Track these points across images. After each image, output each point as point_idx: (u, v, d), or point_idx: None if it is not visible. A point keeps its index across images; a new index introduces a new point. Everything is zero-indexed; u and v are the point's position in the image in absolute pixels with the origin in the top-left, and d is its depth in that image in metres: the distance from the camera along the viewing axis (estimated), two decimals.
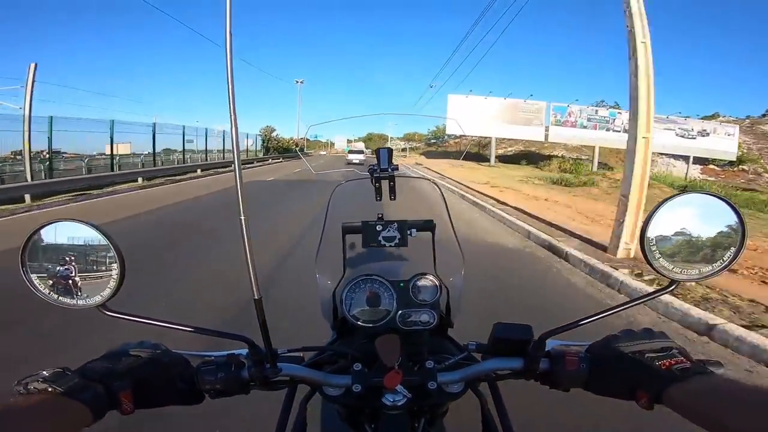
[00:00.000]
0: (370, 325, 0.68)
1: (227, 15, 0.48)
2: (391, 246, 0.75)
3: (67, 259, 0.48)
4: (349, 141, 61.80)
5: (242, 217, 0.49)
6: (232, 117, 0.49)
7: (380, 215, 0.77)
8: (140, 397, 0.48)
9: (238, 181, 0.50)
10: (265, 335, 0.53)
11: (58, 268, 0.48)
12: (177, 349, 0.56)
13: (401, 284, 0.70)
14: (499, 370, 0.60)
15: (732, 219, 0.47)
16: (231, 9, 0.48)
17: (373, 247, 0.75)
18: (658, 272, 0.50)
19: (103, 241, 0.47)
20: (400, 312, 0.68)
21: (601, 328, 0.58)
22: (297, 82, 58.42)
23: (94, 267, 0.48)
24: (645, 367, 0.48)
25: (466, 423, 0.78)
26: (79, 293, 0.49)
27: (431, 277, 0.71)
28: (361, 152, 27.29)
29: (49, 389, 0.40)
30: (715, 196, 0.48)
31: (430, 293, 0.70)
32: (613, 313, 0.54)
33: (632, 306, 0.53)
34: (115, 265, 0.48)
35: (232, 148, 0.51)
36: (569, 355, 0.54)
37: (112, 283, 0.48)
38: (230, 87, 0.48)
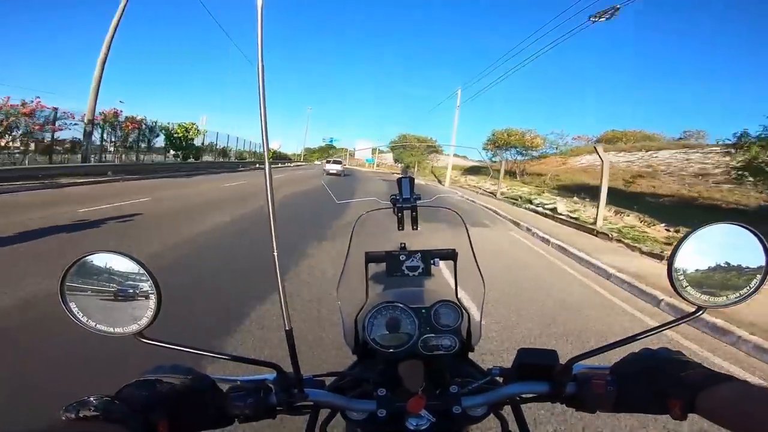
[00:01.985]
0: (392, 350, 0.69)
1: (258, 29, 0.49)
2: (414, 275, 0.76)
3: (105, 289, 0.51)
4: (374, 150, 56.02)
5: (275, 253, 0.52)
6: (266, 154, 0.51)
7: (403, 245, 0.79)
8: (175, 425, 0.50)
9: (271, 217, 0.52)
10: (294, 362, 0.56)
11: (96, 298, 0.51)
12: (205, 371, 0.58)
13: (423, 310, 0.72)
14: (525, 394, 0.61)
15: (758, 247, 0.50)
16: (262, 22, 0.49)
17: (396, 276, 0.76)
18: (684, 299, 0.51)
19: (140, 271, 0.51)
20: (422, 337, 0.70)
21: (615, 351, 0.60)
22: (308, 109, 61.05)
23: (132, 297, 0.51)
24: (674, 378, 0.49)
25: None
26: (117, 322, 0.51)
27: (453, 304, 0.72)
28: (339, 163, 29.54)
29: (99, 416, 0.42)
30: (740, 225, 0.50)
31: (451, 319, 0.71)
32: (638, 339, 0.55)
33: (658, 332, 0.55)
34: (152, 295, 0.51)
35: (266, 189, 0.52)
36: (596, 378, 0.56)
37: (149, 312, 0.51)
38: (263, 125, 0.50)
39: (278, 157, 47.55)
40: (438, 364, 0.68)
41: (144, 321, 0.51)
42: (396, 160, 49.29)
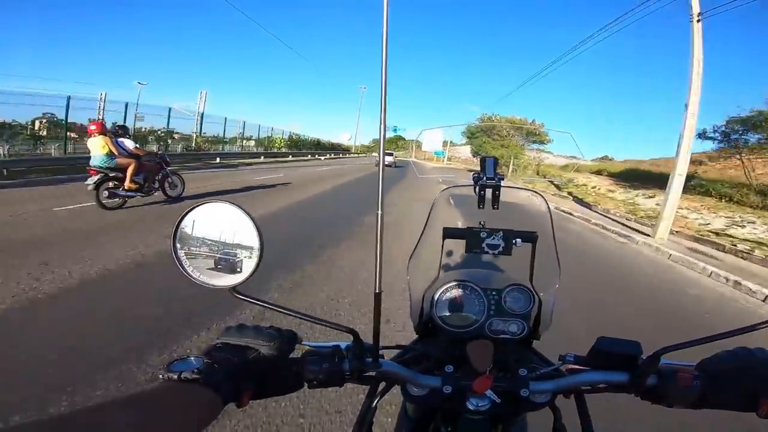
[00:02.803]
0: (459, 330, 0.70)
1: (384, 24, 0.48)
2: (494, 254, 0.74)
3: (212, 239, 0.52)
4: (445, 143, 50.87)
5: (379, 212, 0.52)
6: (382, 127, 0.53)
7: (482, 222, 0.77)
8: (258, 392, 0.52)
9: (380, 180, 0.53)
10: (376, 329, 0.56)
11: (203, 248, 0.52)
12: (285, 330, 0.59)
13: (494, 292, 0.72)
14: (602, 383, 0.59)
15: None
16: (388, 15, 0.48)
17: (475, 253, 0.75)
18: None
19: (250, 226, 0.51)
20: (490, 320, 0.70)
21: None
22: (362, 88, 56.38)
23: (236, 249, 0.52)
24: (766, 378, 0.48)
25: None
26: (217, 274, 0.53)
27: (526, 289, 0.73)
28: (390, 155, 31.87)
29: (198, 380, 0.44)
30: None
31: (522, 304, 0.71)
32: (731, 336, 0.51)
33: (751, 331, 0.50)
34: (255, 251, 0.52)
35: (380, 154, 0.55)
36: (682, 372, 0.54)
37: (248, 269, 0.52)
38: (383, 129, 0.52)
39: (326, 149, 45.58)
40: (503, 348, 0.68)
41: (240, 277, 0.52)
42: (475, 153, 39.63)
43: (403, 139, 76.77)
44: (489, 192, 0.78)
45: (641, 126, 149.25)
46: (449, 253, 0.82)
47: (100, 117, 14.40)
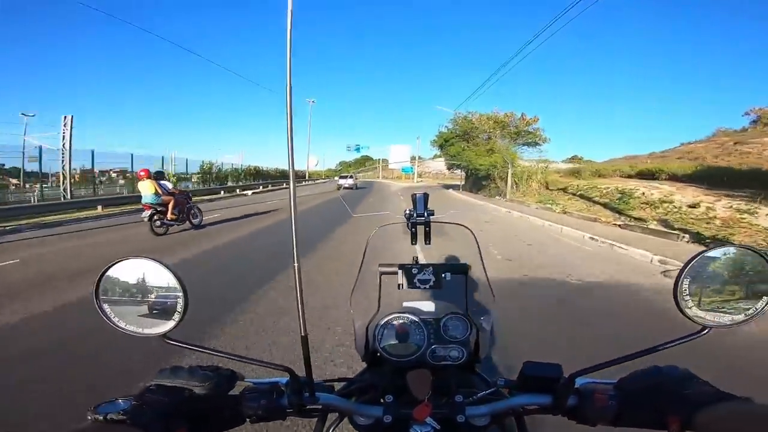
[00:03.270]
0: (401, 359, 0.73)
1: (288, 57, 0.52)
2: (425, 288, 0.80)
3: (136, 292, 0.56)
4: (413, 158, 49.23)
5: (296, 264, 0.56)
6: (291, 170, 0.56)
7: (416, 258, 0.84)
8: (192, 429, 0.53)
9: (293, 231, 0.56)
10: (308, 367, 0.59)
11: (127, 300, 0.56)
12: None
13: (433, 322, 0.76)
14: (528, 406, 0.62)
15: (764, 268, 0.50)
16: (291, 56, 0.52)
17: (408, 288, 0.80)
18: (690, 319, 0.53)
19: (170, 277, 0.55)
20: (431, 348, 0.73)
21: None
22: (309, 101, 50.67)
23: (161, 301, 0.56)
24: (675, 395, 0.50)
25: None
26: (146, 323, 0.56)
27: (462, 316, 0.76)
28: (351, 178, 33.30)
29: (126, 421, 0.45)
30: (749, 248, 0.52)
31: (460, 331, 0.75)
32: (642, 355, 0.55)
33: (662, 349, 0.55)
34: (180, 299, 0.55)
35: (290, 201, 0.58)
36: (598, 392, 0.57)
37: (176, 316, 0.55)
38: (290, 138, 0.54)
39: (274, 177, 38.53)
40: (445, 374, 0.70)
41: (170, 324, 0.55)
42: (452, 165, 31.28)
43: (371, 158, 71.62)
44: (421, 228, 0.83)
45: (610, 124, 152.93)
46: (390, 286, 0.86)
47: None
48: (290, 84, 0.54)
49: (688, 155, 22.69)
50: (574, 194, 16.30)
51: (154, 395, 0.52)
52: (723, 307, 0.53)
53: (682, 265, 0.53)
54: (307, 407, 0.61)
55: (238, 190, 24.72)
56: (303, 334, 0.58)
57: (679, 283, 0.53)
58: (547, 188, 19.55)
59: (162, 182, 8.22)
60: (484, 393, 0.65)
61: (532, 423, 0.66)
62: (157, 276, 0.56)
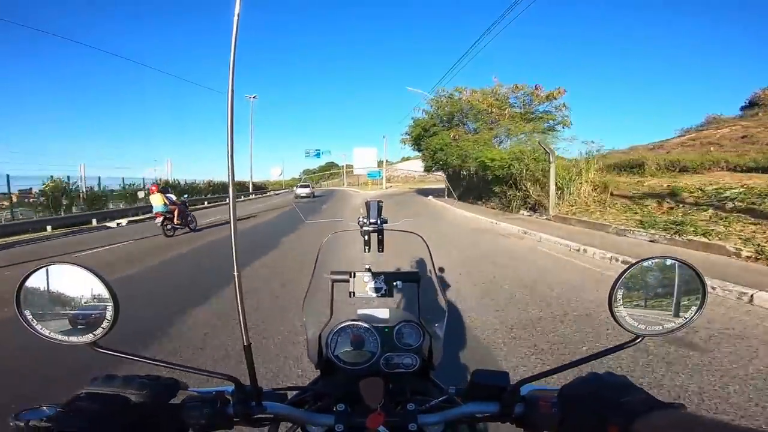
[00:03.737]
0: (355, 367, 0.73)
1: (231, 64, 0.51)
2: (377, 296, 0.81)
3: (62, 299, 0.53)
4: (381, 162, 44.30)
5: (236, 273, 0.55)
6: (230, 177, 0.54)
7: (368, 266, 0.83)
8: None
9: (233, 239, 0.55)
10: (252, 375, 0.58)
11: (53, 308, 0.53)
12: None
13: (386, 330, 0.76)
14: (477, 413, 0.63)
15: (695, 281, 0.54)
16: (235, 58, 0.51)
17: (359, 296, 0.81)
18: (624, 328, 0.55)
19: (97, 283, 0.52)
20: (384, 355, 0.74)
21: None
22: (249, 97, 43.62)
23: (89, 307, 0.53)
24: (613, 403, 0.51)
25: None
26: (74, 332, 0.53)
27: (415, 324, 0.77)
28: (307, 187, 32.97)
29: (51, 428, 0.43)
30: (678, 260, 0.55)
31: (413, 339, 0.76)
32: (584, 362, 0.58)
33: (602, 357, 0.58)
34: (109, 306, 0.53)
35: (229, 208, 0.56)
36: (542, 400, 0.58)
37: (105, 323, 0.53)
38: (230, 148, 0.52)
39: (241, 189, 37.35)
40: (399, 382, 0.71)
41: (99, 331, 0.53)
42: (434, 165, 21.16)
43: (337, 165, 66.66)
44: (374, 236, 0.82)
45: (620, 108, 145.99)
46: (343, 293, 0.86)
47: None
48: (232, 83, 0.54)
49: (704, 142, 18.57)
50: (680, 203, 8.62)
51: (84, 402, 0.50)
52: (656, 317, 0.55)
53: (617, 275, 0.55)
54: (256, 416, 0.60)
55: (95, 221, 15.06)
56: (246, 343, 0.57)
57: (614, 293, 0.55)
58: (609, 194, 10.66)
59: (168, 195, 10.54)
60: (437, 401, 0.66)
61: (485, 431, 0.62)
62: (85, 282, 0.53)
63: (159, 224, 10.01)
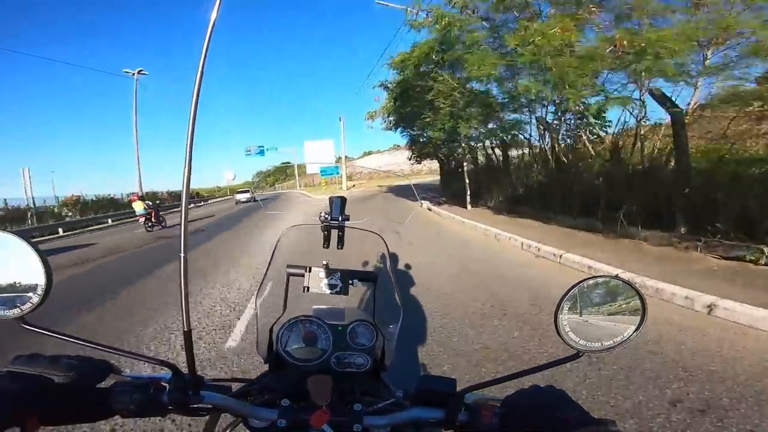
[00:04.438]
0: (305, 363, 0.74)
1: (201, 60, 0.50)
2: (332, 293, 0.81)
3: None
4: (339, 159, 34.82)
5: (182, 255, 0.53)
6: (187, 159, 0.52)
7: (326, 263, 0.83)
8: (47, 417, 0.49)
9: (183, 222, 0.54)
10: (190, 362, 0.57)
11: None
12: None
13: (339, 328, 0.77)
14: (422, 419, 0.64)
15: (635, 300, 0.57)
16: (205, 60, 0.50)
17: (314, 292, 0.81)
18: (566, 344, 0.58)
19: (30, 252, 0.49)
20: (335, 354, 0.75)
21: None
22: (131, 73, 26.16)
23: (21, 279, 0.49)
24: (550, 418, 0.53)
25: None
26: (2, 304, 0.49)
27: (369, 324, 0.77)
28: (247, 192, 33.61)
29: None
30: (620, 280, 0.58)
31: (366, 338, 0.77)
32: (527, 374, 0.60)
33: (544, 370, 0.60)
34: (41, 279, 0.49)
35: (182, 190, 0.54)
36: (485, 409, 0.59)
37: (35, 297, 0.49)
38: (190, 130, 0.51)
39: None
40: (348, 382, 0.71)
41: (27, 306, 0.49)
42: (433, 147, 13.82)
43: (290, 164, 58.47)
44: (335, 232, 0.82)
45: None
46: (298, 288, 0.85)
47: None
48: (201, 75, 0.52)
49: None
50: None
51: (2, 382, 0.48)
52: (596, 334, 0.58)
53: (562, 293, 0.57)
54: (193, 406, 0.58)
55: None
56: (186, 329, 0.55)
57: (559, 308, 0.57)
58: None
59: (147, 202, 14.20)
60: (385, 404, 0.66)
61: None
62: (15, 252, 0.49)
63: (142, 223, 13.55)
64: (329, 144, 35.80)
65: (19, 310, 0.50)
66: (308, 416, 0.59)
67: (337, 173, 36.30)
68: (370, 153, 55.37)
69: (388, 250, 0.91)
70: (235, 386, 0.70)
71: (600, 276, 0.58)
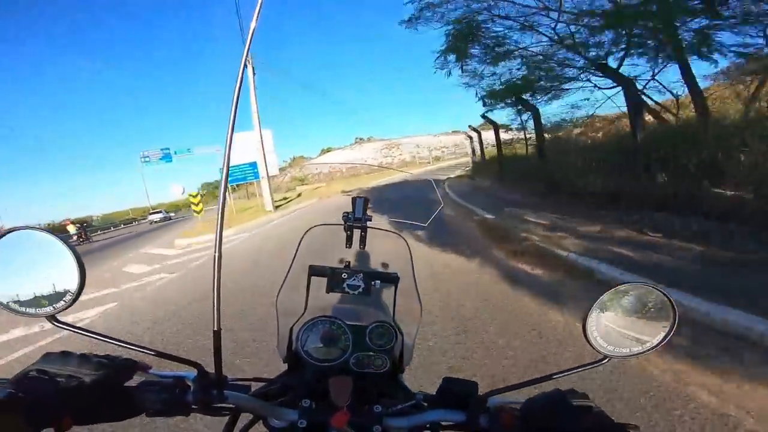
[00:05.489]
0: (324, 363, 0.74)
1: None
2: (353, 294, 0.81)
3: (22, 266, 0.50)
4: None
5: (216, 254, 0.53)
6: (227, 155, 0.52)
7: (347, 263, 0.84)
8: (78, 417, 0.50)
9: (219, 222, 0.53)
10: (217, 362, 0.57)
11: (10, 275, 0.49)
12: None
13: (359, 328, 0.78)
14: (443, 421, 0.65)
15: (667, 308, 0.58)
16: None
17: (336, 293, 0.82)
18: (594, 349, 0.59)
19: (64, 251, 0.49)
20: (355, 354, 0.75)
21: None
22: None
23: (54, 277, 0.50)
24: (571, 425, 0.54)
25: None
26: (32, 302, 0.50)
27: (389, 325, 0.78)
28: (161, 212, 37.61)
29: None
30: (652, 286, 0.58)
31: (386, 340, 0.77)
32: (551, 378, 0.61)
33: (570, 374, 0.60)
34: (74, 277, 0.49)
35: (221, 189, 0.53)
36: (506, 413, 0.60)
37: (68, 296, 0.50)
38: (231, 124, 0.51)
39: None
40: (367, 382, 0.72)
41: (61, 304, 0.50)
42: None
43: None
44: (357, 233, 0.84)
45: None
46: (319, 289, 0.86)
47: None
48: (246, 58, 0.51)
49: None
50: None
51: (34, 381, 0.49)
52: (624, 339, 0.59)
53: (594, 300, 0.58)
54: (216, 405, 0.59)
55: None
56: (216, 329, 0.54)
57: (589, 314, 0.58)
58: None
59: (77, 224, 20.66)
60: (404, 405, 0.67)
61: None
62: (48, 250, 0.49)
63: (74, 240, 19.31)
64: (267, 135, 20.30)
65: (52, 309, 0.50)
66: (328, 417, 0.59)
67: (254, 177, 20.04)
68: (329, 150, 51.03)
69: (411, 253, 0.91)
70: (255, 386, 0.71)
71: (632, 282, 0.59)
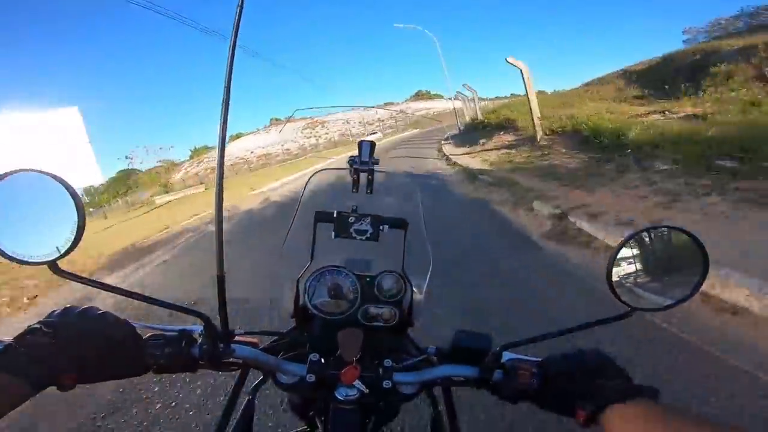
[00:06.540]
0: (332, 316, 0.72)
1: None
2: (362, 239, 0.78)
3: (22, 210, 0.47)
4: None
5: (215, 198, 0.52)
6: (224, 104, 0.52)
7: (354, 207, 0.80)
8: (82, 374, 0.50)
9: (218, 165, 0.53)
10: (223, 314, 0.56)
11: (12, 221, 0.47)
12: (128, 317, 0.57)
13: (368, 279, 0.75)
14: (454, 377, 0.63)
15: (696, 252, 0.52)
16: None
17: (343, 238, 0.78)
18: (620, 301, 0.55)
19: (65, 193, 0.45)
20: (363, 306, 0.73)
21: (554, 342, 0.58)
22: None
23: (54, 222, 0.47)
24: (588, 386, 0.52)
25: (416, 425, 0.82)
26: (33, 248, 0.46)
27: (398, 275, 0.76)
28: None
29: None
30: (682, 231, 0.53)
31: (395, 290, 0.75)
32: (570, 332, 0.58)
33: (590, 328, 0.58)
34: (73, 221, 0.46)
35: (219, 138, 0.53)
36: (522, 369, 0.58)
37: (66, 241, 0.46)
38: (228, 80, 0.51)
39: None
40: (376, 335, 0.71)
41: (63, 249, 0.47)
42: None
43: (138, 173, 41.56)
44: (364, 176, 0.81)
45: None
46: (325, 237, 0.83)
47: None
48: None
49: None
50: None
51: (36, 337, 0.48)
52: (651, 290, 0.55)
53: (616, 245, 0.53)
54: (223, 360, 0.58)
55: None
56: (219, 273, 0.53)
57: (613, 263, 0.54)
58: None
59: None
60: (414, 360, 0.66)
61: (465, 395, 0.64)
62: (51, 195, 0.45)
63: None
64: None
65: (52, 255, 0.46)
66: (337, 371, 0.59)
67: None
68: (240, 136, 47.66)
69: (420, 198, 0.91)
70: (265, 339, 0.70)
71: (659, 226, 0.55)
